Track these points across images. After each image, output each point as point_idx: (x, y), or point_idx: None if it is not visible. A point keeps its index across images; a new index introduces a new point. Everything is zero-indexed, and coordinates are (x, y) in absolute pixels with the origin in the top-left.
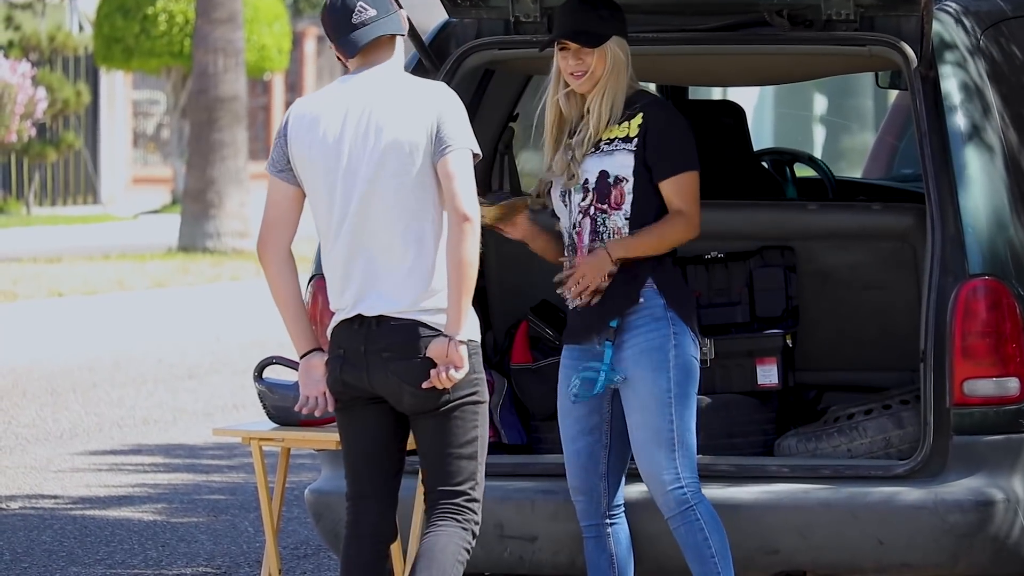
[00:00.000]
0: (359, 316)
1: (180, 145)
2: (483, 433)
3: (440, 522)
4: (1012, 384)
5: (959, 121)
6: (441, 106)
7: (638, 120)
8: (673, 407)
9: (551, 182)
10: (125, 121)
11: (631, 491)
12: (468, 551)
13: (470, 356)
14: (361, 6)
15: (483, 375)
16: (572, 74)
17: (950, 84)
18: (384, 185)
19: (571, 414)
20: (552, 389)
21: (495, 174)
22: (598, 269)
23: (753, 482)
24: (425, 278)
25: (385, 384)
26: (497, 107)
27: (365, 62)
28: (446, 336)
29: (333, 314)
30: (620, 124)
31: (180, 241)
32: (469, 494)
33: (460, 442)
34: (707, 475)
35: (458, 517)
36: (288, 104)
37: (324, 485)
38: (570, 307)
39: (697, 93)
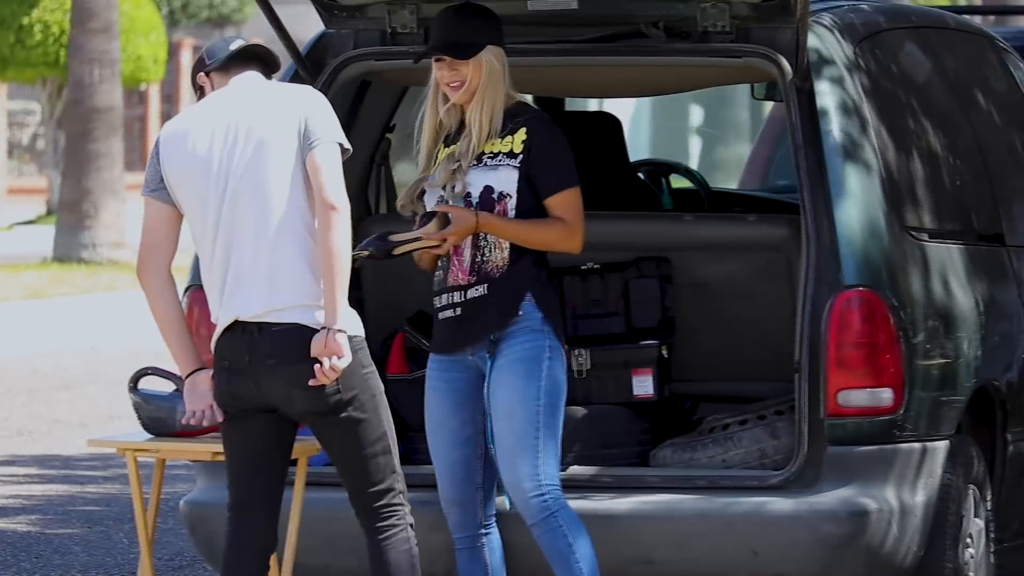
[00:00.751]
0: (240, 325)
1: (55, 156)
2: (389, 424)
3: (381, 535)
4: (886, 395)
5: (834, 133)
6: (307, 104)
7: (521, 135)
8: (541, 416)
9: (424, 190)
10: (0, 131)
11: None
12: (415, 546)
13: (356, 351)
14: (238, 40)
15: (373, 368)
16: (448, 85)
17: (825, 96)
18: (253, 186)
19: (445, 426)
20: None
21: (371, 185)
22: (465, 228)
23: (628, 493)
24: (300, 277)
25: (274, 391)
26: (374, 118)
27: (229, 80)
28: (324, 328)
29: (213, 326)
30: (503, 138)
31: (55, 252)
32: (394, 488)
33: (371, 440)
34: (582, 485)
35: (393, 519)
36: (164, 115)
37: (200, 496)
38: (440, 317)
39: (574, 104)
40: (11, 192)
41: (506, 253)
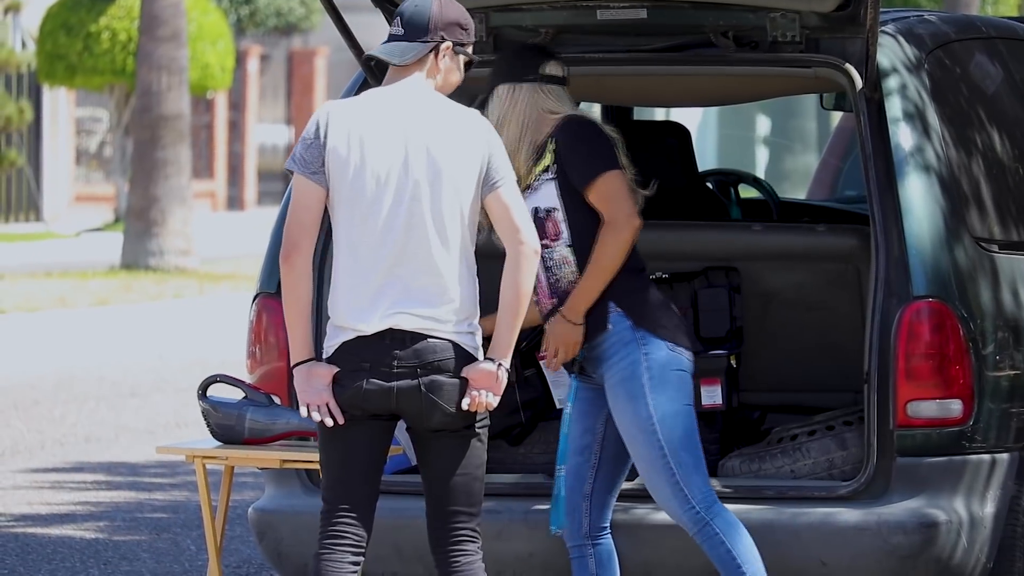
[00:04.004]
0: (390, 331)
1: (123, 163)
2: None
3: (455, 557)
4: (955, 406)
5: (903, 143)
6: (491, 138)
7: (551, 147)
8: (659, 432)
9: None
10: (68, 138)
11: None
12: None
13: None
14: (397, 21)
15: None
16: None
17: (894, 106)
18: (433, 208)
19: (569, 432)
20: None
21: None
22: (566, 338)
23: None
24: (464, 298)
25: (414, 400)
26: None
27: (397, 73)
28: (492, 360)
29: (282, 334)
30: (540, 160)
31: (123, 259)
32: (477, 516)
33: (478, 463)
34: (650, 496)
35: (472, 547)
36: (231, 123)
37: (267, 503)
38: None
39: (642, 114)
40: (79, 199)
41: (574, 267)
